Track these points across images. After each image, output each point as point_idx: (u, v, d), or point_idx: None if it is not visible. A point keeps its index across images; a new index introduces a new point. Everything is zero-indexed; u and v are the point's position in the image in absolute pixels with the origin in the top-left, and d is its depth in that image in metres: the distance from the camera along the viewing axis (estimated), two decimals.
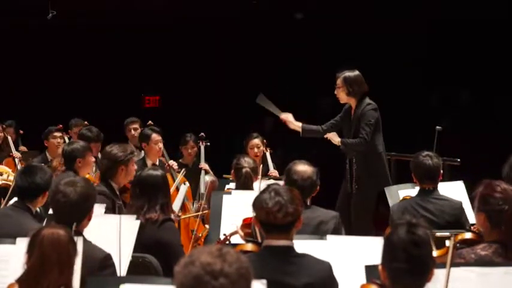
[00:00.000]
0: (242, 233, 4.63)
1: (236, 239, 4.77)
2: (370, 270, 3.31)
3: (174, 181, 7.01)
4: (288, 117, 6.99)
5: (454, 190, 5.69)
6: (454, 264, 3.38)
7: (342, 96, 6.81)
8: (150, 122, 8.15)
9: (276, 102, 7.13)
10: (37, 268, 3.16)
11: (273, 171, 7.56)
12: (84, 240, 3.68)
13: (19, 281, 3.19)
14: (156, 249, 4.63)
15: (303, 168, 4.81)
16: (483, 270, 3.39)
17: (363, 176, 6.62)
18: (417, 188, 5.42)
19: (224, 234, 4.91)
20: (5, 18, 10.51)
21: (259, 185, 5.54)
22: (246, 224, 4.61)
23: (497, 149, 6.45)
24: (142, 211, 4.75)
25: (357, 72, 6.81)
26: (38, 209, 5.39)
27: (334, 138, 6.79)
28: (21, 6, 10.37)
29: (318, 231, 4.52)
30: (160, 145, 7.27)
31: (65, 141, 8.06)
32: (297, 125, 6.97)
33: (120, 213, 5.17)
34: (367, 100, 6.75)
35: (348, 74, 6.78)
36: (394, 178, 7.36)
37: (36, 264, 3.16)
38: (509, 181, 4.77)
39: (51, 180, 4.90)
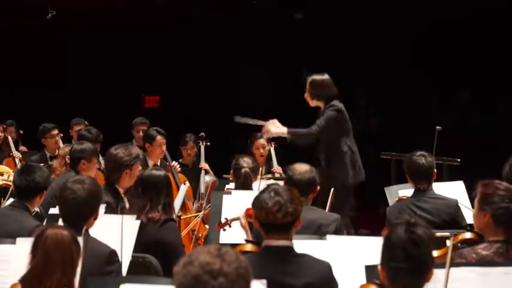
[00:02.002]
0: (244, 221, 4.60)
1: (235, 238, 4.77)
2: (370, 270, 3.31)
3: (175, 181, 7.00)
4: (269, 126, 6.87)
5: (454, 190, 5.69)
6: (454, 264, 3.38)
7: (309, 99, 6.89)
8: None
9: (277, 102, 7.12)
10: (40, 268, 3.16)
11: (277, 168, 7.55)
12: (89, 236, 3.69)
13: (22, 281, 3.19)
14: (157, 249, 4.63)
15: (301, 166, 4.88)
16: (483, 270, 3.39)
17: (327, 174, 6.63)
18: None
19: (226, 218, 4.92)
20: (5, 18, 10.51)
21: (259, 185, 5.55)
22: (249, 214, 4.57)
23: (497, 149, 6.45)
24: (144, 210, 4.75)
25: (325, 76, 6.87)
26: (38, 209, 5.40)
27: (278, 130, 6.76)
28: (21, 6, 10.37)
29: (319, 234, 4.52)
30: (164, 148, 7.25)
31: (63, 140, 8.09)
32: (281, 131, 6.90)
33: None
34: (333, 102, 6.78)
35: (315, 77, 6.86)
36: (394, 178, 7.37)
37: (39, 264, 3.16)
38: (509, 181, 4.77)
39: (49, 180, 4.90)
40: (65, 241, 3.20)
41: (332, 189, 5.38)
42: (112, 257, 3.84)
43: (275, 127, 6.78)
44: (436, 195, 5.27)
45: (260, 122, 6.97)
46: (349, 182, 6.75)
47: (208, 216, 5.84)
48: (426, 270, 2.97)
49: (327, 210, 5.20)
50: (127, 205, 5.49)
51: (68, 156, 6.27)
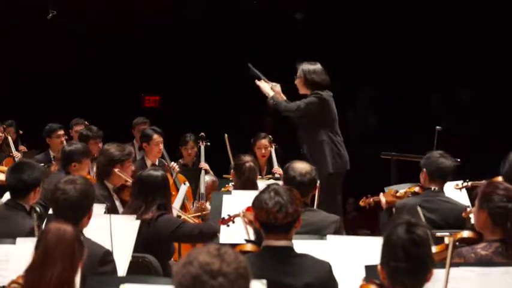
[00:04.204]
0: (245, 219, 4.58)
1: (235, 239, 4.77)
2: (370, 270, 3.31)
3: (174, 182, 7.00)
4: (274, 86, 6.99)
5: (454, 190, 5.68)
6: (454, 264, 3.39)
7: (299, 86, 6.92)
8: None
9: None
10: (41, 260, 3.16)
11: (277, 168, 7.55)
12: (84, 237, 3.69)
13: (25, 274, 3.20)
14: (156, 246, 4.63)
15: (301, 165, 4.84)
16: (483, 270, 3.39)
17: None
18: (417, 187, 5.37)
19: (228, 215, 4.91)
20: (5, 18, 10.51)
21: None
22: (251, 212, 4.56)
23: (497, 149, 6.45)
24: (139, 211, 4.73)
25: (317, 65, 6.87)
26: (38, 209, 5.38)
27: (268, 90, 6.88)
28: (21, 6, 10.36)
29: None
30: (161, 146, 7.25)
31: (67, 140, 8.10)
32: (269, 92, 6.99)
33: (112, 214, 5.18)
34: (319, 91, 6.79)
35: (307, 65, 6.89)
36: (394, 178, 7.36)
37: (40, 256, 3.16)
38: (508, 179, 4.77)
39: (40, 177, 4.88)
40: (66, 236, 3.20)
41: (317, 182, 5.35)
42: (106, 257, 3.83)
43: (270, 88, 6.85)
44: (446, 199, 5.21)
45: (264, 83, 6.99)
46: (329, 170, 6.72)
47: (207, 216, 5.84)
48: (426, 270, 2.97)
49: (315, 205, 5.17)
50: (117, 202, 5.50)
51: None
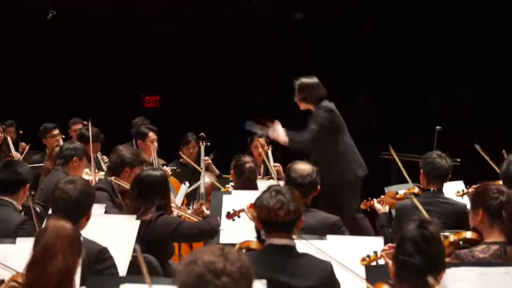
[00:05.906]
0: (250, 215, 4.58)
1: (235, 238, 4.76)
2: (370, 270, 3.31)
3: None
4: (275, 131, 6.91)
5: (454, 190, 5.68)
6: (454, 264, 3.39)
7: (299, 103, 6.92)
8: None
9: (276, 102, 7.12)
10: (41, 255, 3.16)
11: (276, 165, 7.56)
12: (82, 236, 3.70)
13: (25, 270, 3.20)
14: (156, 246, 4.63)
15: (302, 166, 4.83)
16: (483, 270, 3.39)
17: (323, 173, 6.61)
18: (417, 188, 5.37)
19: (233, 209, 4.92)
20: (5, 18, 10.51)
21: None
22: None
23: (497, 149, 6.46)
24: (139, 213, 4.72)
25: (313, 79, 6.87)
26: (37, 209, 5.38)
27: (280, 138, 6.81)
28: (21, 6, 10.36)
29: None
30: (156, 144, 7.27)
31: (64, 139, 8.09)
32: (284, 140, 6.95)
33: (119, 208, 5.21)
34: (323, 103, 6.78)
35: (302, 80, 6.89)
36: (394, 178, 7.36)
37: (41, 252, 3.17)
38: (506, 178, 4.78)
39: (31, 173, 4.92)
40: (65, 229, 3.21)
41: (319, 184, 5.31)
42: (102, 255, 3.83)
43: (279, 135, 6.80)
44: (446, 200, 5.20)
45: (265, 131, 6.99)
46: (356, 174, 6.76)
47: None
48: (434, 269, 2.94)
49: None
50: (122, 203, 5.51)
51: None
